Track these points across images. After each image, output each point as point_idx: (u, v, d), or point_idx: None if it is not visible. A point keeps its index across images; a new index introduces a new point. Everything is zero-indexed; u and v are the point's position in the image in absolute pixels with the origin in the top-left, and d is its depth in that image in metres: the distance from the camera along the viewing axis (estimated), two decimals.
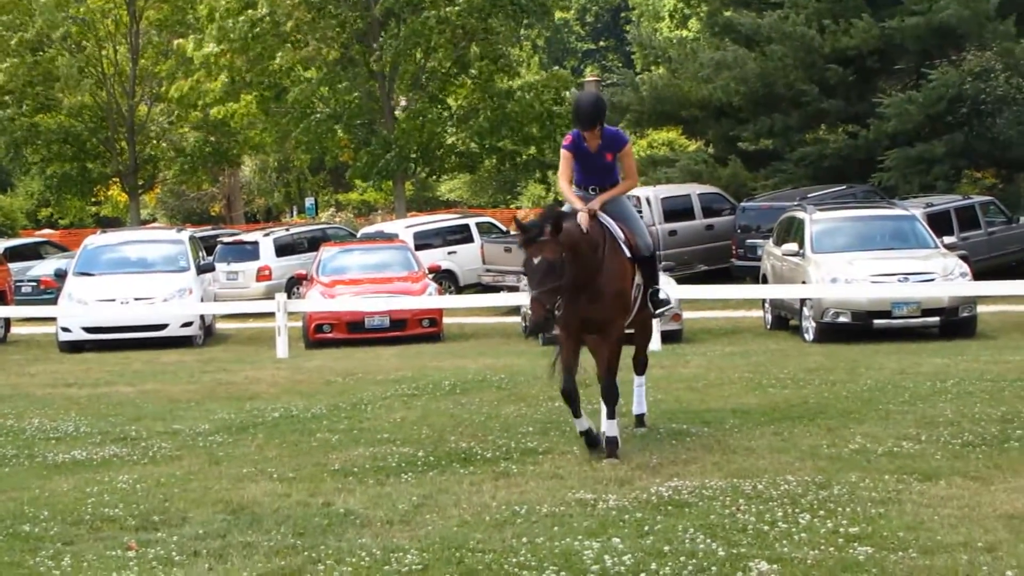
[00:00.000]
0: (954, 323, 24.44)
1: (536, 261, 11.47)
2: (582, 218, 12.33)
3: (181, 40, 50.66)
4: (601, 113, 13.06)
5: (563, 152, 13.21)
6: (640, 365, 14.54)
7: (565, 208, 13.03)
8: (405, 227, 41.08)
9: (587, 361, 13.43)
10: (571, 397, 12.58)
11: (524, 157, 49.07)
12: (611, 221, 12.62)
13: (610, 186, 13.19)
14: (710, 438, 13.96)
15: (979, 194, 37.63)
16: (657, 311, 13.78)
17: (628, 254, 12.61)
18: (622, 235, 12.62)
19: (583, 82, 57.12)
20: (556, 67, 52.42)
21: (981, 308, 25.55)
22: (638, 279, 12.89)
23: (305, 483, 12.58)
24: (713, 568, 8.71)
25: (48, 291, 36.58)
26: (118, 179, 59.51)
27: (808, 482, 11.24)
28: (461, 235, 40.40)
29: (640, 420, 14.64)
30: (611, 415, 12.64)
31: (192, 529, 10.66)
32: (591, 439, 12.70)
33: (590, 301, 12.17)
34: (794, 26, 42.89)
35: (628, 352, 14.23)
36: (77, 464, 14.39)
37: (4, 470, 14.29)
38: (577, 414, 12.73)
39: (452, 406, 17.22)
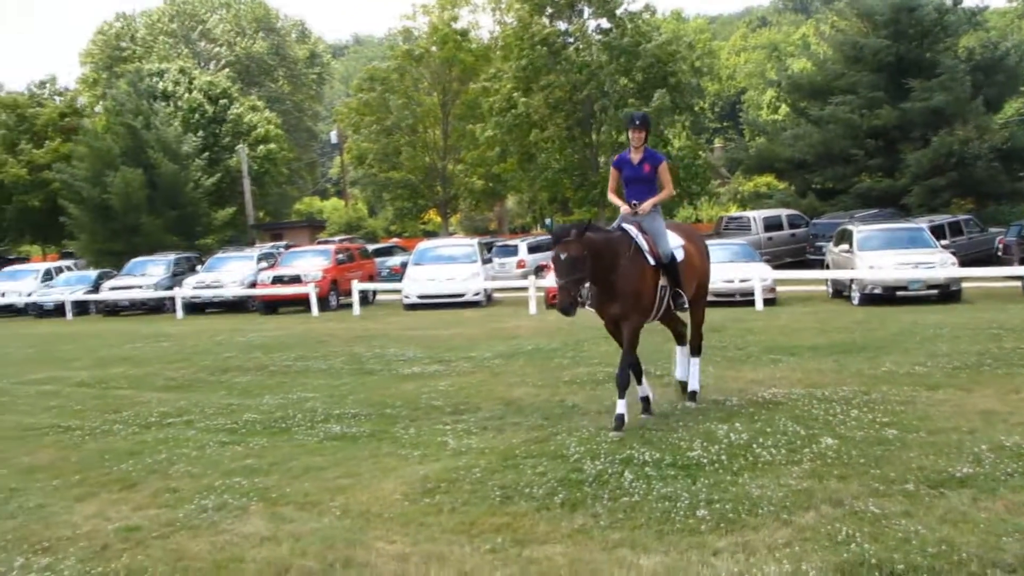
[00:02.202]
0: (947, 294, 23.86)
1: (563, 256, 9.51)
2: (625, 209, 10.56)
3: (471, 126, 51.02)
4: (648, 122, 10.92)
5: (611, 170, 11.19)
6: (694, 348, 11.50)
7: (623, 211, 10.63)
8: None
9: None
10: (634, 371, 10.31)
11: (676, 191, 48.62)
12: (638, 233, 10.30)
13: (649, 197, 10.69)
14: (795, 363, 13.76)
15: (962, 214, 36.71)
16: (675, 309, 10.87)
17: (652, 261, 10.24)
18: (646, 246, 10.23)
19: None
20: (695, 137, 51.78)
21: (964, 284, 24.86)
22: (663, 282, 10.39)
23: (548, 388, 12.69)
24: (797, 442, 8.74)
25: (396, 275, 37.00)
26: (435, 208, 60.18)
27: (856, 391, 11.13)
28: None
29: (692, 396, 11.23)
30: (621, 396, 9.91)
31: (483, 414, 10.94)
32: (646, 404, 10.41)
33: (611, 298, 10.08)
34: (844, 114, 42.50)
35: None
36: (415, 375, 14.68)
37: (374, 378, 14.65)
38: (639, 383, 10.47)
39: (661, 340, 17.19)
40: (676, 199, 50.26)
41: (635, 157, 10.70)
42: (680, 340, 11.58)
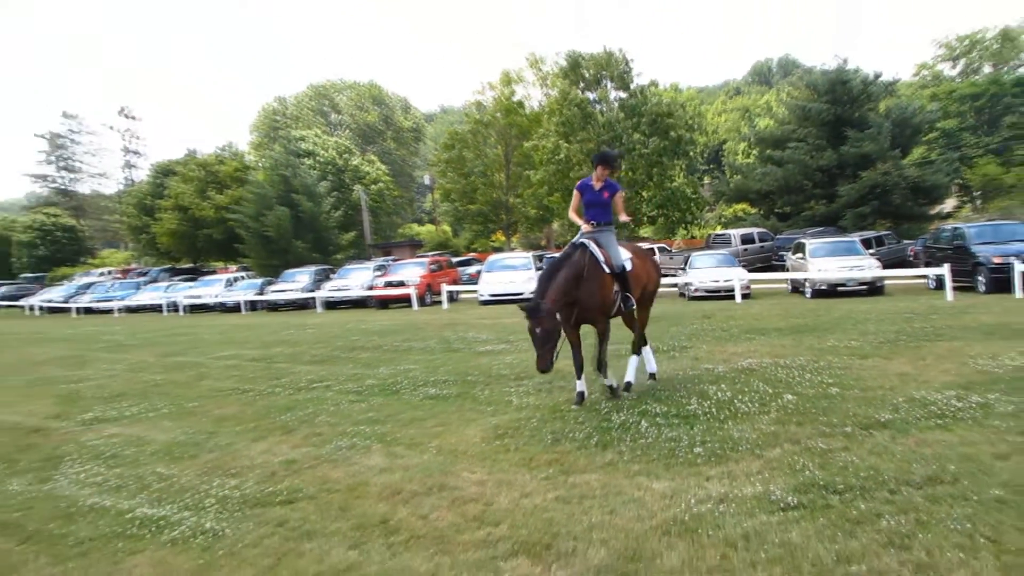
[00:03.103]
0: (873, 289, 23.55)
1: (538, 331, 8.43)
2: (585, 227, 9.40)
3: (527, 171, 51.00)
4: (614, 160, 9.76)
5: (575, 192, 9.78)
6: (640, 340, 10.41)
7: (584, 228, 9.44)
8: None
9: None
10: (577, 366, 9.21)
11: (676, 216, 48.63)
12: (596, 248, 9.16)
13: (605, 222, 9.50)
14: (764, 340, 13.58)
15: (883, 230, 36.25)
16: (625, 309, 9.58)
17: (607, 270, 9.18)
18: (602, 257, 9.16)
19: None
20: (689, 176, 51.59)
21: (886, 282, 24.49)
22: (616, 287, 9.36)
23: (584, 361, 12.58)
24: (767, 397, 8.71)
25: (473, 280, 36.87)
26: (501, 230, 60.20)
27: (809, 360, 10.99)
28: (658, 251, 39.85)
29: (652, 376, 10.34)
30: (604, 374, 9.34)
31: (537, 380, 10.86)
32: (581, 397, 9.13)
33: (582, 309, 8.99)
34: (799, 156, 42.46)
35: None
36: (488, 352, 14.57)
37: (458, 354, 14.55)
38: (579, 377, 9.19)
39: (649, 328, 17.07)
40: (676, 222, 50.20)
41: (596, 184, 9.57)
42: (640, 343, 10.40)
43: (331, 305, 34.61)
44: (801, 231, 37.25)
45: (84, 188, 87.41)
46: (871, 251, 28.52)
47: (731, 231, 40.95)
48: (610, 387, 9.41)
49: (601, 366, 9.34)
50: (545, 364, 8.42)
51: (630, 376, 9.97)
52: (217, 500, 6.57)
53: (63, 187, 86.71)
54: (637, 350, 10.34)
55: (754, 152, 57.26)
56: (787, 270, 28.77)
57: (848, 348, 12.08)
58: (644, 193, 48.76)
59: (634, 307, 9.68)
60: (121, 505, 6.66)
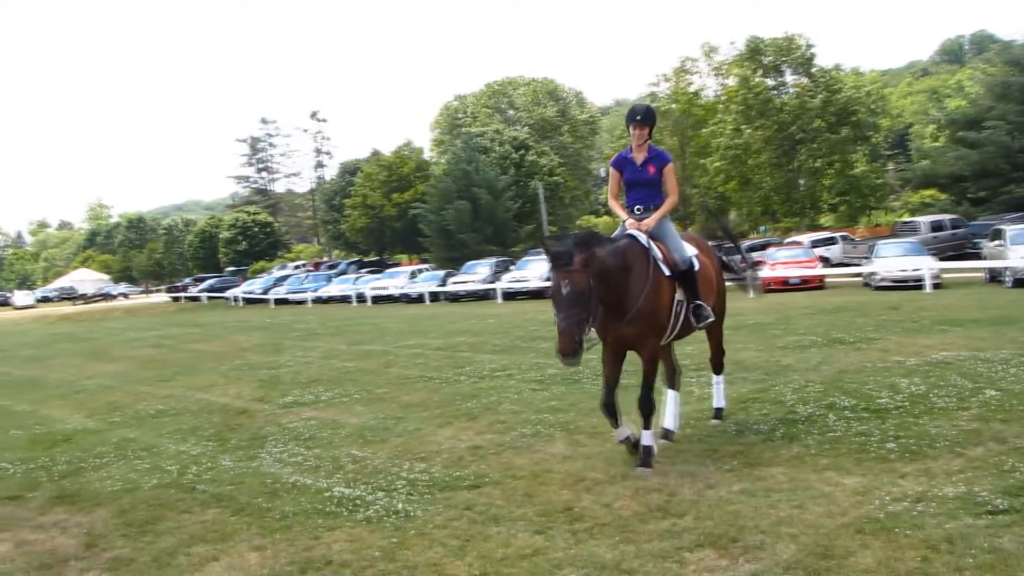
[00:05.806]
0: None
1: (565, 291, 5.89)
2: (631, 224, 6.81)
3: (702, 160, 50.21)
4: (650, 116, 7.01)
5: (610, 171, 7.32)
6: (718, 367, 7.92)
7: (628, 223, 6.92)
8: (807, 237, 38.80)
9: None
10: (609, 411, 6.65)
11: (858, 203, 46.83)
12: (650, 241, 6.69)
13: (655, 206, 6.91)
14: (960, 332, 12.68)
15: None
16: (699, 325, 6.96)
17: (667, 272, 6.63)
18: (660, 254, 6.66)
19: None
20: (872, 162, 49.56)
21: None
22: (679, 296, 6.75)
23: (766, 352, 12.14)
24: (965, 392, 8.17)
25: None
26: (678, 221, 59.12)
27: (1013, 353, 10.17)
28: (830, 241, 38.29)
29: (718, 413, 7.89)
30: (646, 426, 6.56)
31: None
32: (631, 446, 6.78)
33: (625, 320, 6.40)
34: (998, 136, 39.50)
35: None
36: None
37: None
38: (616, 425, 6.72)
39: (833, 318, 16.36)
40: (861, 211, 48.21)
41: (638, 157, 7.06)
42: (716, 369, 8.00)
43: (510, 296, 35.05)
44: (998, 217, 34.70)
45: (279, 187, 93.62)
46: None
47: (919, 218, 38.80)
48: (627, 438, 6.85)
49: (644, 408, 6.61)
50: (570, 347, 5.94)
51: (721, 402, 8.00)
52: (407, 483, 6.78)
53: (261, 187, 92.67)
54: (719, 370, 8.02)
55: (943, 135, 54.11)
56: (983, 258, 26.87)
57: None
58: (824, 181, 47.17)
59: (711, 319, 7.08)
60: (319, 484, 6.99)
